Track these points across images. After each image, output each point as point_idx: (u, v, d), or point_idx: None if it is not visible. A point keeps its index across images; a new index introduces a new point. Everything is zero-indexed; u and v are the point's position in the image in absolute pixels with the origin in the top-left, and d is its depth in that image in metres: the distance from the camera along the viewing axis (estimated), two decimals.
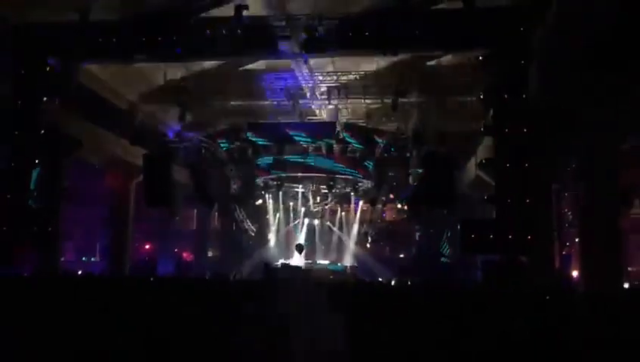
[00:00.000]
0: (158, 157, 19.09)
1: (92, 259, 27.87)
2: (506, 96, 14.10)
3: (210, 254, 27.26)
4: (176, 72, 18.93)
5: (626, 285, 16.66)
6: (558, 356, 4.29)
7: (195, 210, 27.06)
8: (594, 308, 7.12)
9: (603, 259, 12.11)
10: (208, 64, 19.15)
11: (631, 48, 8.67)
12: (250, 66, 19.61)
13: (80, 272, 15.06)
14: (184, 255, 27.76)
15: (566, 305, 7.63)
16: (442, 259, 23.40)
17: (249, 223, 25.72)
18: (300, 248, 23.93)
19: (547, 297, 7.96)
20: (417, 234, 25.22)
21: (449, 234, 22.97)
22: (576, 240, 17.37)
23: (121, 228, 21.78)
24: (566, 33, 11.65)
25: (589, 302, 8.41)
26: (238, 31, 15.12)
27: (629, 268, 20.51)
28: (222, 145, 22.71)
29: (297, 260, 24.14)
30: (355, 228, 25.99)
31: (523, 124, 13.78)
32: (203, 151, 22.81)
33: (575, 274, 18.85)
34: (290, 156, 22.93)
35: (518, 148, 13.74)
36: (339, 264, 24.74)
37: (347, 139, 22.17)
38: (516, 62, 13.91)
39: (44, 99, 15.93)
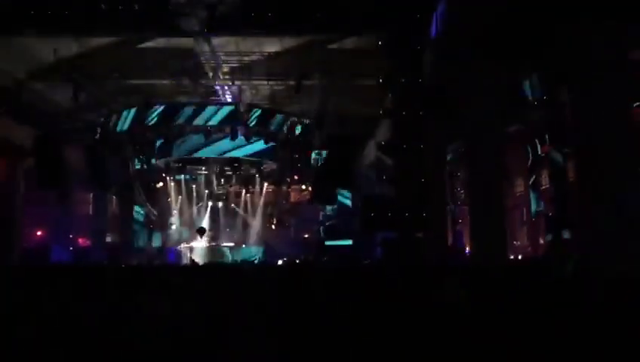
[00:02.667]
0: (49, 138, 18.07)
1: None
2: (403, 80, 14.65)
3: (108, 239, 26.21)
4: (68, 48, 17.86)
5: (511, 257, 18.06)
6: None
7: (91, 194, 25.82)
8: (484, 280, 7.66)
9: (490, 234, 13.01)
10: (103, 41, 18.24)
11: (507, 41, 9.33)
12: (148, 44, 18.89)
13: None
14: (80, 241, 26.49)
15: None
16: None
17: (149, 207, 24.99)
18: (201, 231, 23.68)
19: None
20: (321, 213, 25.70)
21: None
22: (468, 217, 18.55)
23: (8, 214, 20.43)
24: (456, 21, 12.30)
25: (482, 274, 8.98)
26: (135, 6, 14.57)
27: (514, 242, 22.12)
28: (119, 125, 21.72)
29: (200, 243, 23.87)
30: (260, 209, 26.05)
31: (419, 108, 14.40)
32: (99, 131, 21.74)
33: (467, 249, 20.12)
34: (192, 136, 22.47)
35: (415, 130, 14.37)
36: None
37: (251, 121, 22.02)
38: (413, 47, 14.47)
39: None
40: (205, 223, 25.36)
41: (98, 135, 21.37)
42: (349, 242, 22.36)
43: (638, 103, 13.00)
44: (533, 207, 20.47)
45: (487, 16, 10.31)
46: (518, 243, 22.74)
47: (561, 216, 14.77)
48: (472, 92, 12.57)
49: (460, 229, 20.99)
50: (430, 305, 5.26)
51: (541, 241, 20.45)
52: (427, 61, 14.32)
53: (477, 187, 13.00)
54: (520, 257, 20.16)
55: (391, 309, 5.05)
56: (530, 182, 21.07)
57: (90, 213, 26.11)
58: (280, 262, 18.97)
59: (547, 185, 19.57)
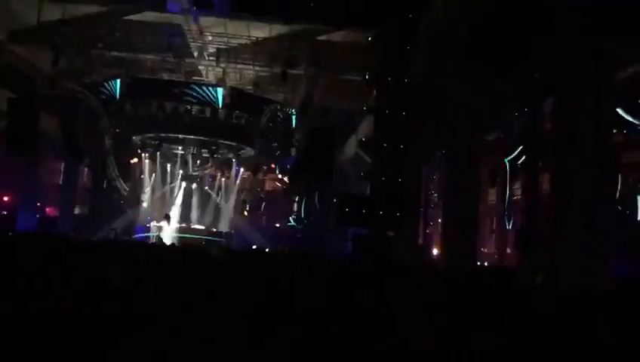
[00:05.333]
0: (24, 103, 17.67)
1: None
2: (389, 78, 14.69)
3: (77, 211, 25.77)
4: (52, 12, 17.44)
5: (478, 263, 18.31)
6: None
7: (63, 163, 25.34)
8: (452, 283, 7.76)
9: (461, 238, 13.16)
10: (90, 8, 17.89)
11: (494, 45, 9.39)
12: (135, 17, 18.58)
13: None
14: (47, 210, 25.99)
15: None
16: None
17: (122, 182, 24.63)
18: (168, 218, 23.42)
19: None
20: (295, 204, 25.69)
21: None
22: (439, 220, 18.76)
23: None
24: (446, 23, 12.37)
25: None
26: None
27: (482, 249, 22.45)
28: (98, 95, 21.31)
29: (169, 225, 23.64)
30: (234, 195, 25.89)
31: (402, 107, 14.47)
32: (76, 100, 21.32)
33: (435, 251, 20.36)
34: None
35: (396, 129, 14.43)
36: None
37: (233, 105, 21.81)
38: (402, 46, 14.50)
39: None
40: (177, 204, 25.12)
41: (76, 104, 20.92)
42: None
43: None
44: (506, 217, 20.74)
45: (474, 22, 10.38)
46: (486, 250, 23.07)
47: (532, 226, 15.01)
48: (456, 97, 12.68)
49: (430, 231, 21.22)
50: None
51: (508, 250, 20.79)
52: (416, 61, 14.38)
53: (452, 191, 13.14)
54: (486, 264, 20.47)
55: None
56: (503, 192, 21.36)
57: (61, 183, 25.65)
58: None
59: (519, 196, 19.86)
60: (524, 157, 18.08)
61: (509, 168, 20.63)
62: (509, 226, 18.99)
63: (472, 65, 10.01)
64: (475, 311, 5.22)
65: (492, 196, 22.82)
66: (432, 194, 22.17)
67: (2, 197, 25.02)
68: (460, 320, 4.81)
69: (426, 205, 20.35)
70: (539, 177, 16.21)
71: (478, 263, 18.63)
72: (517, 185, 20.40)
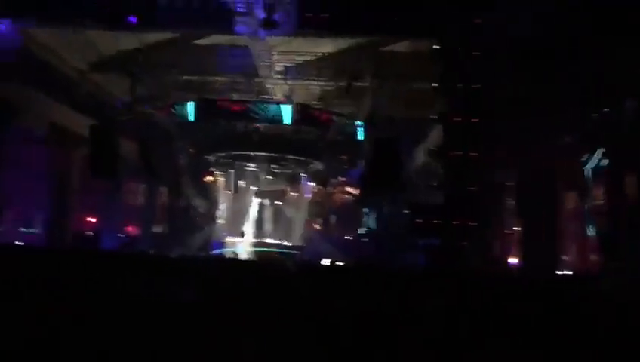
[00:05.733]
0: (104, 129, 18.67)
1: (31, 231, 26.90)
2: (457, 86, 14.44)
3: (156, 230, 26.84)
4: (127, 42, 18.40)
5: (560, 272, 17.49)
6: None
7: (142, 184, 26.53)
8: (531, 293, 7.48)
9: (541, 247, 12.70)
10: (161, 36, 18.72)
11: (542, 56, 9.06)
12: (204, 41, 19.26)
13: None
14: (128, 229, 27.23)
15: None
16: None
17: (198, 200, 25.50)
18: (242, 234, 24.31)
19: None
20: (365, 216, 25.62)
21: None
22: (518, 228, 18.10)
23: (63, 200, 21.21)
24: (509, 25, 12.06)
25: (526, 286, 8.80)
26: (194, 4, 14.91)
27: (564, 257, 21.42)
28: (173, 115, 22.23)
29: (244, 240, 24.25)
30: (305, 208, 26.17)
31: (472, 114, 14.17)
32: (153, 124, 22.31)
33: (513, 261, 19.63)
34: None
35: (467, 137, 14.14)
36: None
37: (301, 120, 22.11)
38: (468, 53, 14.24)
39: None
40: (251, 219, 25.71)
41: (152, 127, 21.89)
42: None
43: None
44: (587, 223, 19.79)
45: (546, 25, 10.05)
46: (568, 258, 22.04)
47: (615, 232, 14.25)
48: (527, 101, 12.29)
49: (507, 240, 20.52)
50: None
51: (592, 258, 19.77)
52: (482, 66, 14.06)
53: (528, 198, 12.71)
54: (569, 272, 19.54)
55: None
56: (584, 197, 20.39)
57: (140, 202, 26.84)
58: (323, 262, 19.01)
59: (602, 201, 18.89)
60: (605, 160, 17.24)
61: (590, 172, 19.72)
62: (591, 232, 18.08)
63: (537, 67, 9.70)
64: (555, 320, 5.01)
65: (574, 201, 21.80)
66: (509, 201, 21.46)
67: (88, 218, 26.43)
68: (538, 328, 4.64)
69: (502, 213, 19.73)
70: (623, 180, 15.39)
71: (560, 271, 17.82)
72: (599, 189, 19.44)
